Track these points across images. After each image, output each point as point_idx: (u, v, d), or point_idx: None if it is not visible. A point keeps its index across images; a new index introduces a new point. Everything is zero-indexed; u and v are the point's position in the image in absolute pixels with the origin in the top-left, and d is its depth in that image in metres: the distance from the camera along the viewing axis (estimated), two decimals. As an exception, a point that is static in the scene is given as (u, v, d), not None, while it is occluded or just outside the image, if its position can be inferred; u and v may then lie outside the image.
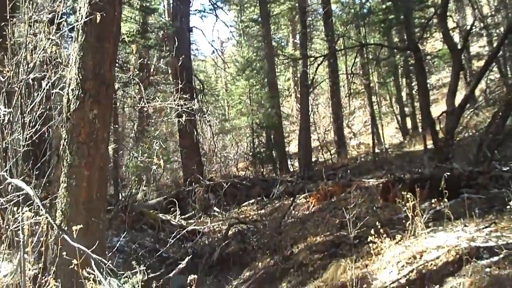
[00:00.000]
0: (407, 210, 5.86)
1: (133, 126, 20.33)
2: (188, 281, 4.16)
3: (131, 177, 16.15)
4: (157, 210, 12.94)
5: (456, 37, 20.12)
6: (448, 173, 6.51)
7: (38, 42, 6.31)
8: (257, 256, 8.68)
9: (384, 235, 5.73)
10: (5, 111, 5.37)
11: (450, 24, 17.06)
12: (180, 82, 11.03)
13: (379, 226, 5.70)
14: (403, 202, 5.90)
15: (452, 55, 13.77)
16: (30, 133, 5.74)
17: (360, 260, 6.06)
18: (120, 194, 13.55)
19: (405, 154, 17.65)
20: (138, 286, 3.94)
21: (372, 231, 5.55)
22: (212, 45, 60.72)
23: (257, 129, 22.39)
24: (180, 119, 10.99)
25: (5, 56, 5.79)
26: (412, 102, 25.60)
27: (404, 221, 6.19)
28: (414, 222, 5.89)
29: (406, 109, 26.77)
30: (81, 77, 5.42)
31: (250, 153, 22.64)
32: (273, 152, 21.74)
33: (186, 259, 8.26)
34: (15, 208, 4.89)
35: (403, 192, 5.95)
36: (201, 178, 14.91)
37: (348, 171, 14.48)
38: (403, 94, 27.61)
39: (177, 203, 13.14)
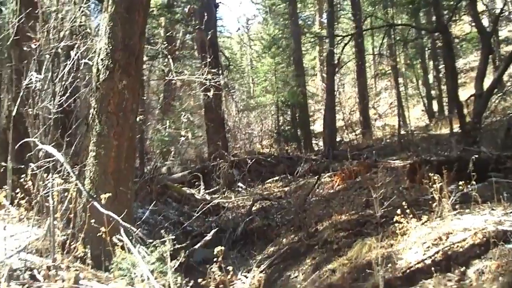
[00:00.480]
0: (433, 191, 5.79)
1: (158, 99, 20.36)
2: (215, 252, 4.17)
3: (156, 151, 16.21)
4: (182, 184, 13.01)
5: (485, 21, 19.75)
6: (476, 156, 6.40)
7: (69, 11, 6.35)
8: (281, 232, 8.67)
9: (410, 216, 5.69)
10: (37, 77, 5.41)
11: (480, 7, 16.72)
12: (207, 57, 11.04)
13: (405, 207, 5.65)
14: (430, 184, 5.85)
15: (481, 39, 13.58)
16: (60, 101, 5.78)
17: (385, 239, 6.00)
18: (145, 167, 13.64)
19: (431, 136, 17.44)
20: (167, 255, 3.96)
21: (398, 211, 5.50)
22: (238, 21, 60.62)
23: (282, 107, 22.33)
24: (208, 93, 11.01)
25: (37, 24, 5.83)
26: (439, 85, 25.27)
27: (430, 202, 6.11)
28: (441, 204, 5.82)
29: (433, 92, 26.48)
30: (110, 47, 5.43)
31: (275, 131, 22.59)
32: (297, 130, 21.73)
33: (212, 232, 8.31)
34: (45, 175, 4.96)
35: (430, 174, 5.89)
36: (226, 153, 14.93)
37: (373, 151, 14.40)
38: (430, 76, 27.27)
39: (201, 178, 13.23)
